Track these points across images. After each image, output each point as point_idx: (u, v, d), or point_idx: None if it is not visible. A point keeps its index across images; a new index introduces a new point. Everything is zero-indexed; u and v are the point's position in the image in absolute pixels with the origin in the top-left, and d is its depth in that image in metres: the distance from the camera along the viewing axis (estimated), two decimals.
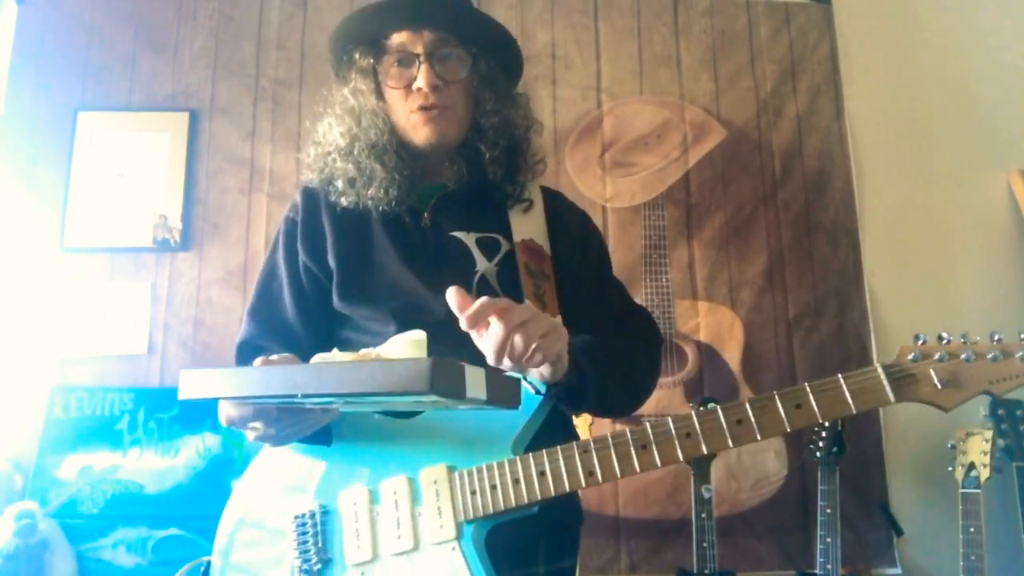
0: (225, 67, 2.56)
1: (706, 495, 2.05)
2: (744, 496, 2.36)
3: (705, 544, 2.01)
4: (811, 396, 0.93)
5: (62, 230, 2.41)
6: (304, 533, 1.02)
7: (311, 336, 1.20)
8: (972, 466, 1.98)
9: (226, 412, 0.97)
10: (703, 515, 2.03)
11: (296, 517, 1.04)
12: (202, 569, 1.12)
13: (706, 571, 2.00)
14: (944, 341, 0.95)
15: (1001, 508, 2.25)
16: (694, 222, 2.55)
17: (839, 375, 0.94)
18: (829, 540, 2.01)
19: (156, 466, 2.21)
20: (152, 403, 2.28)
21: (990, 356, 0.92)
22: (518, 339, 0.91)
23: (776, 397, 0.94)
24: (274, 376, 0.85)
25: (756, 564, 2.30)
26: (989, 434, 1.99)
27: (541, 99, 2.57)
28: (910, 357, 0.94)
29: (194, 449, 2.23)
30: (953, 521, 2.00)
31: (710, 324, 2.48)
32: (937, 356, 0.94)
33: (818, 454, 2.07)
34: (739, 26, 2.72)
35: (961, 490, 1.99)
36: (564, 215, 1.29)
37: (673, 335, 2.45)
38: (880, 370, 0.94)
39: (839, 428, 2.06)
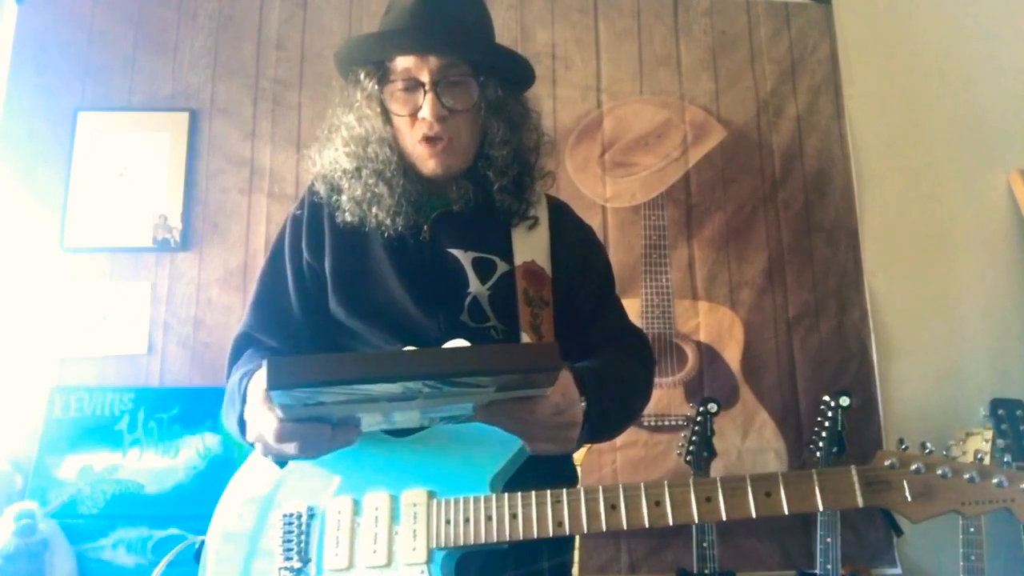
0: (225, 67, 2.56)
1: None
2: None
3: (705, 544, 2.01)
4: (781, 486, 0.94)
5: (62, 230, 2.41)
6: (290, 531, 1.05)
7: (312, 329, 1.19)
8: None
9: (269, 427, 0.93)
10: None
11: (285, 515, 1.07)
12: (196, 547, 1.14)
13: (706, 571, 2.00)
14: (926, 451, 0.95)
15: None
16: (694, 222, 2.55)
17: (813, 471, 0.95)
18: (829, 540, 2.01)
19: (156, 466, 2.21)
20: (152, 403, 2.28)
21: (967, 476, 0.92)
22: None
23: (748, 481, 0.95)
24: (402, 359, 0.84)
25: (756, 564, 2.30)
26: (989, 434, 1.99)
27: (541, 99, 2.50)
28: (887, 463, 0.94)
29: (194, 449, 2.23)
30: (953, 521, 2.00)
31: (710, 324, 2.48)
32: (914, 467, 0.93)
33: (818, 454, 2.07)
34: (739, 26, 2.72)
35: None
36: (568, 234, 1.27)
37: (673, 335, 2.45)
38: (854, 472, 0.94)
39: (839, 428, 2.06)
